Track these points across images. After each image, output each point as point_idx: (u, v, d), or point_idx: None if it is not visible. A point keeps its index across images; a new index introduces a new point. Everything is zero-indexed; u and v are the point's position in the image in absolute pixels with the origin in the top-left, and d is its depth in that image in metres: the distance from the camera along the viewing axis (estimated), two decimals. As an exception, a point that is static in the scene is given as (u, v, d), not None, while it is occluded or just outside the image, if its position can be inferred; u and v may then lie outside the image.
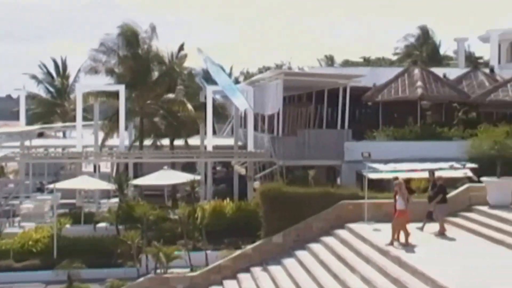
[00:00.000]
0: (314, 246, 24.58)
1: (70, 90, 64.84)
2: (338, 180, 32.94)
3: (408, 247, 20.98)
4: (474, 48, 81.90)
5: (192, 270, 27.59)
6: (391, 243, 21.20)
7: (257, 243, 26.50)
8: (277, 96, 35.28)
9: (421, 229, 23.17)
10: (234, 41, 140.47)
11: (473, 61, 67.25)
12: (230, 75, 63.58)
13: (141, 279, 26.24)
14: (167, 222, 33.33)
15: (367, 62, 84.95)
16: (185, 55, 48.35)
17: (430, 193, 23.41)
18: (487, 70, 43.41)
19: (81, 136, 41.47)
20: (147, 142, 44.93)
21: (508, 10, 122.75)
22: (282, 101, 35.47)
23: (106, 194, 41.81)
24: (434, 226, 22.95)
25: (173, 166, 40.92)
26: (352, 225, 24.63)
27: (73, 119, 47.58)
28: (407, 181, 24.43)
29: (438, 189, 23.06)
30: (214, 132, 49.19)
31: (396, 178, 23.63)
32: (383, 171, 29.21)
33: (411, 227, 22.09)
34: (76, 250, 30.17)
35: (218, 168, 50.06)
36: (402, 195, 21.71)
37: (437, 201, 22.84)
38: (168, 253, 27.15)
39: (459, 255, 19.85)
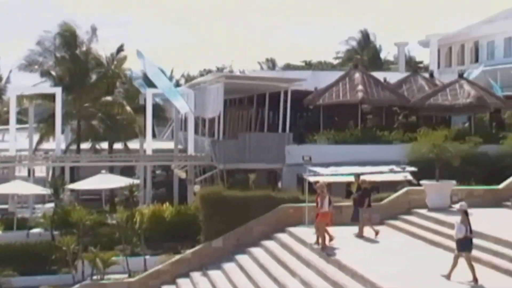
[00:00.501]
0: (255, 250, 24.60)
1: (3, 92, 63.47)
2: (279, 184, 33.05)
3: (327, 249, 21.30)
4: (414, 53, 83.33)
5: (130, 276, 27.36)
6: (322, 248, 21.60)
7: (197, 247, 26.41)
8: (218, 99, 35.25)
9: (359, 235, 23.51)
10: (175, 43, 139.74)
11: (413, 66, 68.26)
12: (170, 78, 63.17)
13: (77, 285, 25.90)
14: (105, 227, 32.92)
15: (308, 65, 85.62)
16: (125, 57, 47.93)
17: (355, 195, 23.73)
18: (426, 75, 44.14)
19: (14, 139, 40.63)
20: (85, 145, 44.38)
21: (448, 15, 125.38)
22: (223, 104, 35.46)
23: (41, 199, 41.13)
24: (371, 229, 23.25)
25: (111, 170, 40.52)
26: (292, 229, 24.74)
27: (6, 122, 46.66)
28: (348, 184, 24.67)
29: (363, 192, 23.40)
30: (154, 136, 48.90)
31: (317, 182, 23.75)
32: (324, 175, 29.41)
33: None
34: (7, 257, 29.53)
35: (158, 171, 49.77)
36: (323, 198, 21.96)
37: (367, 204, 23.17)
38: (105, 258, 26.86)
39: (398, 257, 20.11)
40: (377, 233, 23.06)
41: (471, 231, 17.55)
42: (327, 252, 21.11)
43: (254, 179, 30.22)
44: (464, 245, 17.41)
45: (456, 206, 18.55)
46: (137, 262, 29.07)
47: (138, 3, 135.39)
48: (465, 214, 17.69)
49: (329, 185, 28.70)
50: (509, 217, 15.98)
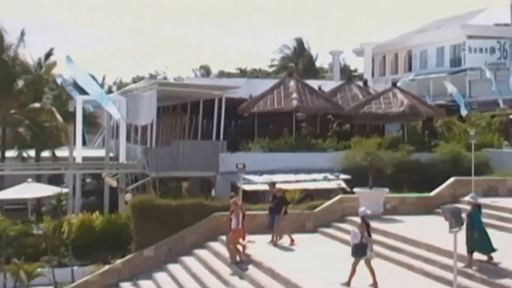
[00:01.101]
0: (187, 259, 24.49)
1: None
2: (213, 192, 33.01)
3: (240, 265, 21.52)
4: (349, 61, 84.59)
5: (56, 288, 26.90)
6: (234, 262, 21.82)
7: (127, 257, 26.15)
8: (151, 107, 35.05)
9: (273, 242, 23.72)
10: (107, 49, 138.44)
11: (347, 74, 69.24)
12: (102, 85, 62.58)
13: (-2, 299, 25.35)
14: (30, 237, 32.10)
15: (243, 73, 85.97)
16: (54, 62, 47.22)
17: (271, 204, 23.91)
18: (361, 83, 44.81)
19: None
20: (11, 153, 43.46)
21: (382, 24, 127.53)
22: (156, 112, 35.27)
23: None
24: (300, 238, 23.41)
25: (38, 178, 39.79)
26: (225, 237, 24.66)
27: None
28: (283, 191, 24.82)
29: (279, 200, 23.61)
30: (84, 143, 48.25)
31: (232, 197, 23.78)
32: (257, 183, 29.51)
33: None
34: None
35: (88, 180, 49.10)
36: (236, 214, 22.07)
37: (283, 212, 23.36)
38: (29, 270, 26.31)
39: (332, 265, 20.26)
40: (292, 240, 23.31)
41: (369, 235, 18.15)
42: (240, 267, 21.28)
43: (187, 187, 30.08)
44: (359, 250, 17.90)
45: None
46: (64, 273, 28.59)
47: (70, 7, 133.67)
48: (363, 220, 18.35)
49: (263, 192, 29.03)
50: (440, 224, 16.32)
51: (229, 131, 37.62)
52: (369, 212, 19.33)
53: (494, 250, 17.99)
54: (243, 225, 22.43)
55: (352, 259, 17.93)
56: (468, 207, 24.42)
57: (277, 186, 25.20)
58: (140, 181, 34.69)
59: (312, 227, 25.57)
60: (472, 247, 17.94)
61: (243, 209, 22.94)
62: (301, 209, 26.47)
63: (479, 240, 17.88)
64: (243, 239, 22.54)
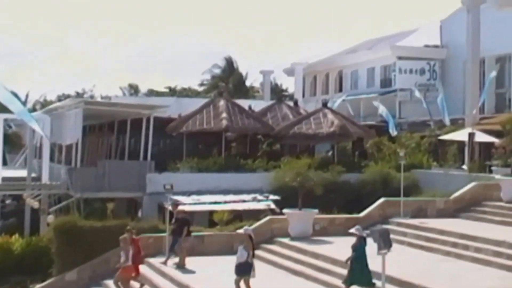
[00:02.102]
0: (111, 282, 24.07)
1: None
2: (140, 213, 32.68)
3: None
4: (280, 81, 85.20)
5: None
6: None
7: (48, 281, 25.63)
8: (76, 126, 34.62)
9: (164, 263, 23.64)
10: (32, 65, 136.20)
11: (278, 94, 69.70)
12: (25, 103, 61.48)
13: None
14: None
15: (172, 92, 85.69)
16: (-25, 79, 46.15)
17: (173, 226, 23.85)
18: (291, 103, 45.18)
19: None
20: None
21: (312, 43, 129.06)
22: (81, 131, 34.83)
23: None
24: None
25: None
26: (151, 260, 24.41)
27: None
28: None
29: (180, 222, 23.60)
30: (5, 163, 47.23)
31: (129, 230, 23.44)
32: (185, 203, 29.38)
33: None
34: None
35: (8, 201, 47.95)
36: (126, 251, 21.89)
37: (185, 234, 23.34)
38: None
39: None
40: (183, 264, 23.26)
41: (253, 255, 18.48)
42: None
43: (113, 208, 29.73)
44: (244, 269, 18.24)
45: (242, 231, 19.74)
46: (-22, 299, 27.80)
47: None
48: (250, 238, 18.63)
49: (191, 213, 28.88)
50: (369, 245, 16.54)
51: (157, 151, 37.37)
52: (250, 231, 19.54)
53: (372, 285, 17.89)
54: (137, 260, 22.12)
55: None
56: (400, 228, 24.97)
57: (180, 207, 25.10)
58: (64, 202, 34.09)
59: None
60: (350, 279, 18.06)
61: (139, 243, 22.56)
62: (229, 231, 26.39)
63: (359, 273, 17.97)
64: (136, 275, 22.21)
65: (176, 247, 23.46)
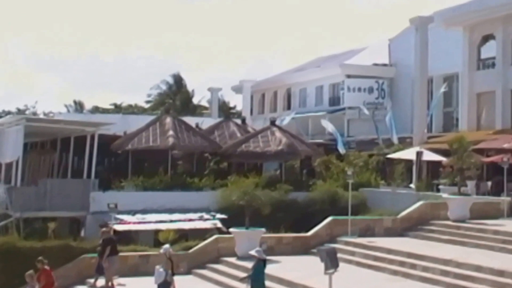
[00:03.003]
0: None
1: None
2: (82, 232, 32.26)
3: None
4: (229, 98, 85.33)
5: None
6: None
7: (-15, 304, 25.06)
8: (17, 143, 34.12)
9: (93, 285, 23.39)
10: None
11: (226, 111, 69.71)
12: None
13: None
14: None
15: (118, 108, 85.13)
16: None
17: (99, 247, 23.65)
18: (239, 121, 45.25)
19: None
20: None
21: (261, 61, 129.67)
22: (22, 148, 34.31)
23: None
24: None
25: None
26: (91, 280, 24.08)
27: None
28: (156, 232, 24.56)
29: (104, 242, 23.45)
30: None
31: (41, 261, 22.78)
32: (130, 223, 29.14)
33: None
34: None
35: None
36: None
37: (108, 254, 23.14)
38: None
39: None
40: (112, 286, 23.07)
41: (173, 274, 18.67)
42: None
43: (55, 228, 29.27)
44: None
45: (162, 251, 20.05)
46: None
47: None
48: (169, 259, 19.05)
49: (136, 232, 28.68)
50: (317, 265, 16.56)
51: (101, 169, 36.99)
52: (171, 250, 19.91)
53: None
54: None
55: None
56: (347, 247, 25.08)
57: (104, 228, 24.72)
58: (2, 222, 33.46)
59: (187, 268, 25.32)
60: None
61: (51, 274, 21.83)
62: (175, 250, 26.16)
63: None
64: None
65: (105, 269, 23.21)
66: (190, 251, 26.18)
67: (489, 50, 50.34)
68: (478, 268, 19.97)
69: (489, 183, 40.82)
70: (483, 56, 51.15)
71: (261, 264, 18.52)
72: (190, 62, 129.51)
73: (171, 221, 29.81)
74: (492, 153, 42.01)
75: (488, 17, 48.63)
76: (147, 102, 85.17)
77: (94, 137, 34.58)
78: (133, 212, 30.47)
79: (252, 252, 18.88)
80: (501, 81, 48.18)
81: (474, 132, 47.20)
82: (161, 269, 18.53)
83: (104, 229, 24.62)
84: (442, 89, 49.64)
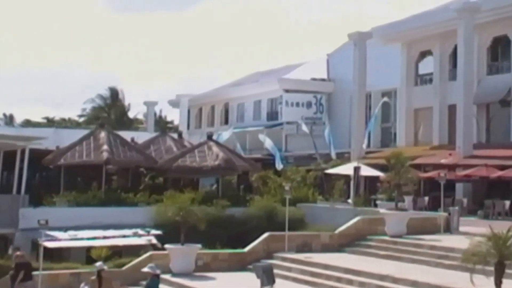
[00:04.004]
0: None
1: None
2: (10, 250, 31.66)
3: None
4: (165, 112, 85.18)
5: None
6: None
7: None
8: None
9: None
10: None
11: (162, 126, 69.54)
12: None
13: None
14: None
15: (51, 122, 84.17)
16: None
17: (12, 271, 23.30)
18: (176, 135, 45.19)
19: None
20: None
21: (198, 76, 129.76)
22: None
23: None
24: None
25: None
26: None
27: None
28: (88, 249, 24.26)
29: (18, 266, 23.07)
30: None
31: None
32: (62, 239, 28.78)
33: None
34: None
35: None
36: None
37: (20, 279, 22.70)
38: None
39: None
40: None
41: None
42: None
43: (-21, 247, 28.70)
44: None
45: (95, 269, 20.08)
46: None
47: None
48: (99, 276, 19.29)
49: (68, 250, 28.29)
50: (253, 281, 16.58)
51: (32, 184, 36.42)
52: (105, 267, 20.04)
53: None
54: None
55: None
56: (284, 263, 25.19)
57: (19, 252, 24.13)
58: None
59: (120, 286, 25.08)
60: None
61: None
62: (108, 267, 25.89)
63: None
64: None
65: None
66: (124, 268, 25.93)
67: (427, 66, 51.56)
68: (414, 283, 20.17)
69: (426, 199, 41.71)
70: (420, 72, 52.34)
71: (155, 279, 18.96)
72: (127, 75, 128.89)
73: (105, 237, 29.50)
74: (429, 168, 42.94)
75: (426, 33, 49.87)
76: (81, 116, 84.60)
77: (25, 152, 34.03)
78: (65, 229, 30.03)
79: (145, 269, 19.30)
80: (438, 97, 49.34)
81: (411, 147, 48.18)
82: (86, 287, 18.42)
83: (18, 253, 24.12)
84: (383, 100, 50.43)
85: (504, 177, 39.21)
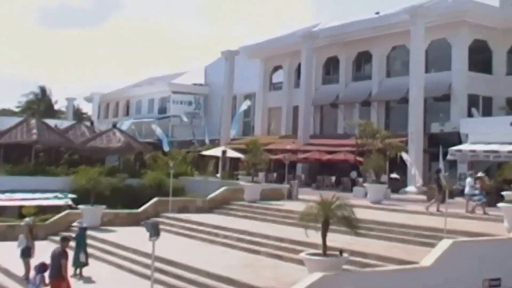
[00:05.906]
0: None
1: None
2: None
3: None
4: (82, 106, 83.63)
5: None
6: None
7: None
8: None
9: None
10: None
11: (78, 116, 68.26)
12: None
13: None
14: None
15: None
16: None
17: None
18: (88, 123, 44.40)
19: None
20: None
21: (107, 78, 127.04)
22: None
23: None
24: None
25: None
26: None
27: None
28: (20, 207, 23.56)
29: None
30: None
31: None
32: (1, 199, 28.02)
33: None
34: None
35: None
36: None
37: None
38: None
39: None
40: None
41: (32, 239, 18.42)
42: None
43: None
44: (27, 253, 18.19)
45: (23, 223, 19.55)
46: None
47: None
48: (30, 229, 18.76)
49: (4, 208, 27.54)
50: (144, 234, 16.69)
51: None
52: (31, 221, 19.44)
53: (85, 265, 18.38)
54: None
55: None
56: (168, 221, 25.19)
57: None
58: None
59: (44, 235, 24.66)
60: (73, 262, 18.02)
61: None
62: (35, 221, 25.33)
63: (77, 256, 18.26)
64: None
65: None
66: (47, 222, 25.50)
67: (278, 76, 52.80)
68: (265, 236, 20.37)
69: (275, 174, 42.85)
70: (274, 81, 53.46)
71: (82, 231, 18.81)
72: (53, 77, 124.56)
73: (33, 199, 28.79)
74: (277, 152, 44.07)
75: (279, 52, 50.96)
76: (17, 107, 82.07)
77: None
78: (2, 191, 29.16)
79: (75, 224, 19.36)
80: (286, 100, 50.69)
81: (265, 136, 49.19)
82: (23, 238, 18.11)
83: None
84: (245, 107, 51.13)
85: (332, 160, 40.71)
